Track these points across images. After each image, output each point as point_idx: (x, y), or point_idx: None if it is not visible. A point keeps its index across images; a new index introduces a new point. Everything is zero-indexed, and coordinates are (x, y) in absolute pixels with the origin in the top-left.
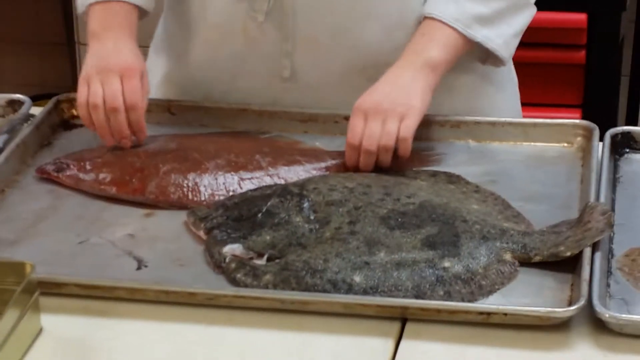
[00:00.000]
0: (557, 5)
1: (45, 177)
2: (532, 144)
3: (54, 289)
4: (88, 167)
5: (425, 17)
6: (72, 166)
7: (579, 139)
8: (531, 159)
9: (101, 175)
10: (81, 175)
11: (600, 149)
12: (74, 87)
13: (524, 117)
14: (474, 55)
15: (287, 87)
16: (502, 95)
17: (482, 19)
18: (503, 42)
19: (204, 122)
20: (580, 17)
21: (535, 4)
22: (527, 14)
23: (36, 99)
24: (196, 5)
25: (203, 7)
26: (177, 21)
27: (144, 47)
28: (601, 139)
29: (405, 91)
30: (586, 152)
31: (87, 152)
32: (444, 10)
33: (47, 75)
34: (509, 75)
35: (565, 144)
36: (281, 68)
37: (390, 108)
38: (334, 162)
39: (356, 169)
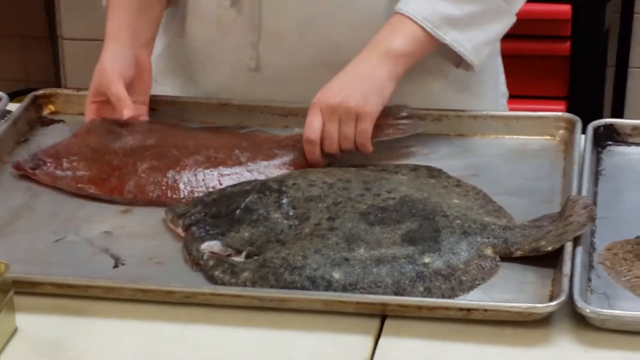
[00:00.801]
0: None
1: (22, 173)
2: (514, 136)
3: (29, 288)
4: (65, 164)
5: (396, 13)
6: (49, 163)
7: (561, 131)
8: (513, 152)
9: (79, 173)
10: (58, 173)
11: (583, 141)
12: (56, 81)
13: (509, 109)
14: (446, 57)
15: (254, 78)
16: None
17: (453, 21)
18: (472, 47)
19: (184, 117)
20: (565, 9)
21: None
22: (505, 23)
23: (18, 94)
24: None
25: None
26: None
27: None
28: (584, 130)
29: (364, 84)
30: (568, 145)
31: (61, 147)
32: (415, 8)
33: (30, 70)
34: (492, 84)
35: (548, 137)
36: (248, 59)
37: (345, 109)
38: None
39: (317, 163)
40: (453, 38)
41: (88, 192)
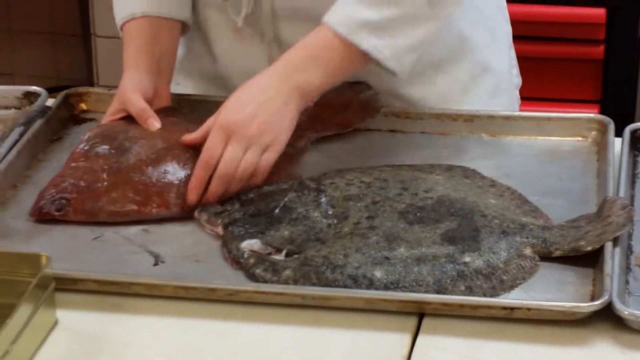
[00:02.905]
0: (576, 1)
1: (48, 219)
2: (546, 137)
3: (70, 284)
4: (93, 195)
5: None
6: (73, 200)
7: (593, 132)
8: (545, 153)
9: (113, 201)
10: (90, 207)
11: (619, 144)
12: (89, 79)
13: (542, 111)
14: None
15: None
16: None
17: (371, 25)
18: (391, 54)
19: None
20: (599, 12)
21: None
22: (429, 27)
23: (51, 91)
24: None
25: (206, 3)
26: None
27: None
28: (620, 134)
29: (277, 117)
30: (601, 146)
31: (73, 177)
32: (332, 15)
33: (62, 67)
34: (505, 79)
35: (580, 138)
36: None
37: (258, 135)
38: None
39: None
40: (372, 44)
41: (134, 218)
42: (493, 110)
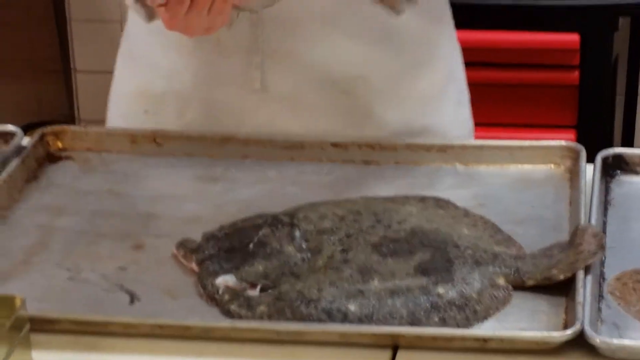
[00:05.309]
0: (549, 26)
1: None
2: (519, 165)
3: (46, 325)
4: None
5: None
6: None
7: (566, 160)
8: (518, 181)
9: None
10: None
11: (591, 170)
12: (70, 113)
13: (518, 138)
14: None
15: (259, 99)
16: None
17: None
18: None
19: (189, 152)
20: (573, 38)
21: (527, 25)
22: None
23: (32, 126)
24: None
25: None
26: (145, 30)
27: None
28: (594, 159)
29: None
30: (574, 173)
31: None
32: None
33: (43, 102)
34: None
35: (552, 166)
36: (252, 79)
37: None
38: None
39: None
40: None
41: None
42: (466, 140)
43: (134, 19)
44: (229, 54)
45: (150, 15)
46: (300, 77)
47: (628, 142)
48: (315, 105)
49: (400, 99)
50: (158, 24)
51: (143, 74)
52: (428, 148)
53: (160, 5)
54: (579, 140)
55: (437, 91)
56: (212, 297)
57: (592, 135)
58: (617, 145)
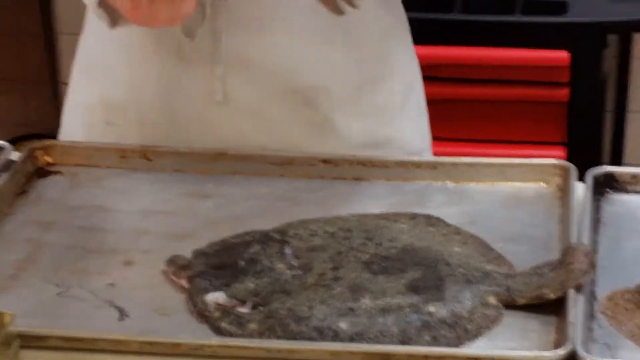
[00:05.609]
0: (539, 44)
1: None
2: (509, 183)
3: (35, 342)
4: None
5: None
6: None
7: (556, 178)
8: (509, 199)
9: None
10: None
11: (582, 188)
12: (57, 127)
13: (509, 155)
14: None
15: (222, 111)
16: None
17: None
18: None
19: (179, 168)
20: (562, 55)
21: (517, 42)
22: None
23: (19, 140)
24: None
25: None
26: (103, 40)
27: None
28: (584, 177)
29: None
30: (564, 191)
31: None
32: None
33: (30, 115)
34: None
35: (543, 184)
36: (213, 91)
37: None
38: None
39: None
40: None
41: None
42: (457, 157)
43: (93, 28)
44: (190, 65)
45: (114, 21)
46: (261, 88)
47: (617, 158)
48: (278, 116)
49: (362, 110)
50: (119, 32)
51: (102, 83)
52: (418, 164)
53: None
54: (568, 156)
55: (398, 102)
56: (202, 314)
57: (582, 152)
58: (606, 162)
